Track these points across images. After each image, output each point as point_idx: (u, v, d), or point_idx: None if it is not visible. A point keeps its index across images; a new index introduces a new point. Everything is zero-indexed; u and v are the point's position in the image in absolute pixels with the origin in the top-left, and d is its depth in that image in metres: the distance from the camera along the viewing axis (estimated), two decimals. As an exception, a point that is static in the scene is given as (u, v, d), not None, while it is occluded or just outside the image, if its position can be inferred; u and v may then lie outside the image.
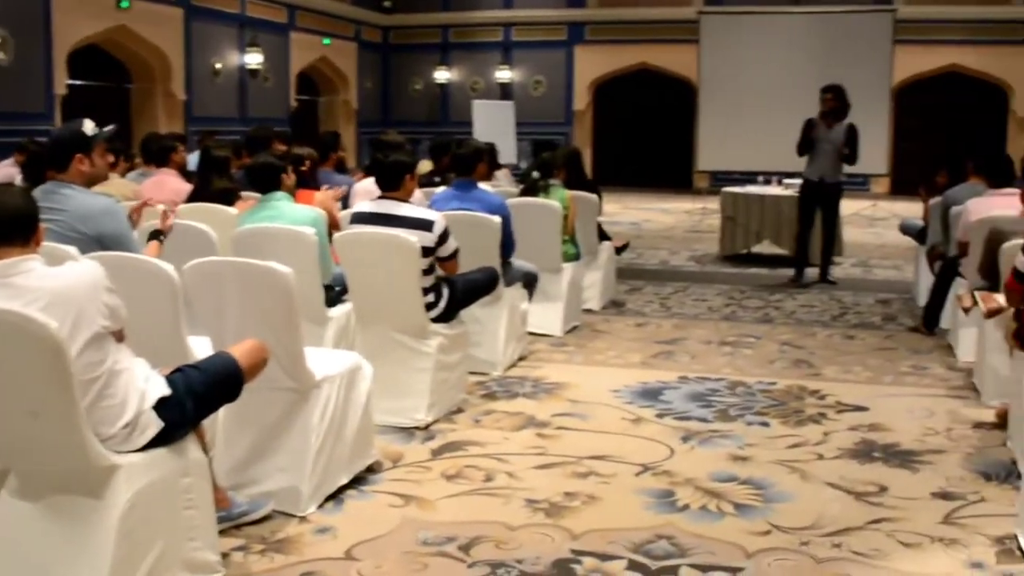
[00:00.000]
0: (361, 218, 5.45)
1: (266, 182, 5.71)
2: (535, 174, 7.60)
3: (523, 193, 7.57)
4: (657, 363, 6.47)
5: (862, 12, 18.13)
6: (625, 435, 5.02)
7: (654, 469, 4.50)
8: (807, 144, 9.33)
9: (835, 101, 9.30)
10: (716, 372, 6.23)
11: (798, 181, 11.26)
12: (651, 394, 5.70)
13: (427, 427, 5.06)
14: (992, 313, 5.06)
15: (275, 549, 3.67)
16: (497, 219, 6.15)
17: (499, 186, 9.23)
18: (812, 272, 9.71)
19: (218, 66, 17.41)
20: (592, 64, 22.00)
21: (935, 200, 8.23)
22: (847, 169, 17.81)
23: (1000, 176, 6.92)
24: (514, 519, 3.95)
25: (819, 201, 9.53)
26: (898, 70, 18.57)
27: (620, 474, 4.44)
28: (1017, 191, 6.13)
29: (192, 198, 6.54)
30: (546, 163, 7.74)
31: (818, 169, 9.40)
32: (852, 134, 9.29)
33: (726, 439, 4.93)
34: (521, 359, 6.44)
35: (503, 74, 22.35)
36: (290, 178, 5.81)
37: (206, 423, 3.57)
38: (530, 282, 6.65)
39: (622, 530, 3.84)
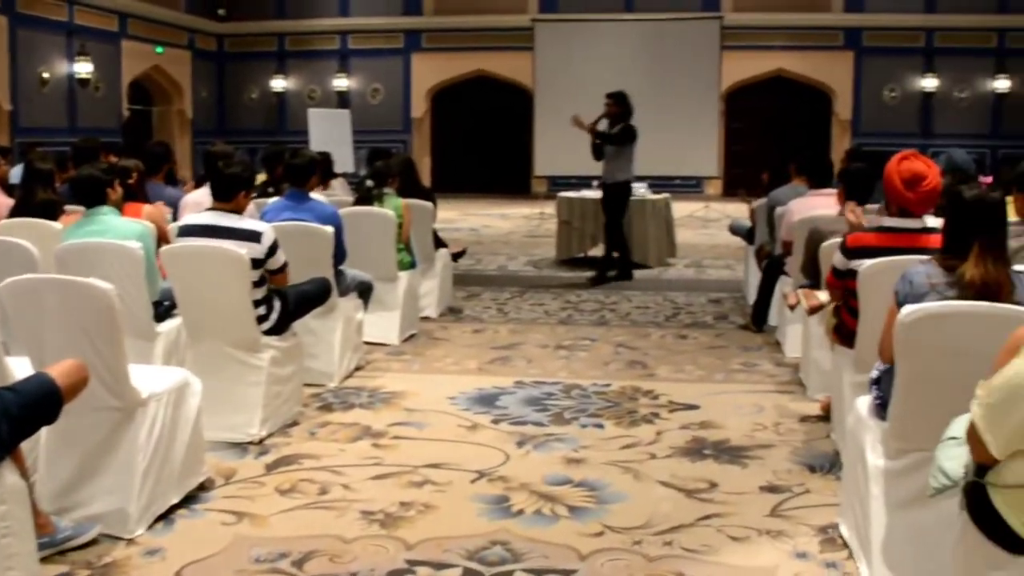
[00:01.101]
0: (189, 231, 5.30)
1: (91, 195, 5.51)
2: (369, 183, 7.53)
3: (357, 202, 7.49)
4: (494, 369, 6.48)
5: (690, 19, 18.68)
6: (461, 442, 5.01)
7: (489, 475, 4.50)
8: (598, 148, 9.77)
9: (616, 106, 9.71)
10: (552, 376, 6.28)
11: (634, 185, 11.53)
12: (487, 400, 5.70)
13: (261, 442, 4.95)
14: (814, 310, 5.24)
15: (101, 574, 3.54)
16: (329, 229, 6.06)
17: (335, 195, 9.12)
18: (648, 273, 9.87)
19: (45, 75, 16.73)
20: (430, 71, 22.01)
21: (760, 201, 8.51)
22: (682, 172, 18.35)
23: (820, 177, 7.19)
24: (348, 532, 3.89)
25: (606, 202, 9.96)
26: (727, 75, 19.21)
27: (456, 482, 4.43)
28: (835, 191, 6.38)
29: (14, 212, 6.28)
30: (380, 172, 7.68)
31: (604, 173, 9.90)
32: (623, 131, 9.65)
33: (561, 442, 4.97)
34: (358, 369, 6.36)
35: (340, 82, 22.14)
36: (116, 191, 5.62)
37: (25, 447, 3.42)
38: (365, 291, 6.59)
39: (457, 538, 3.83)
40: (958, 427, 2.74)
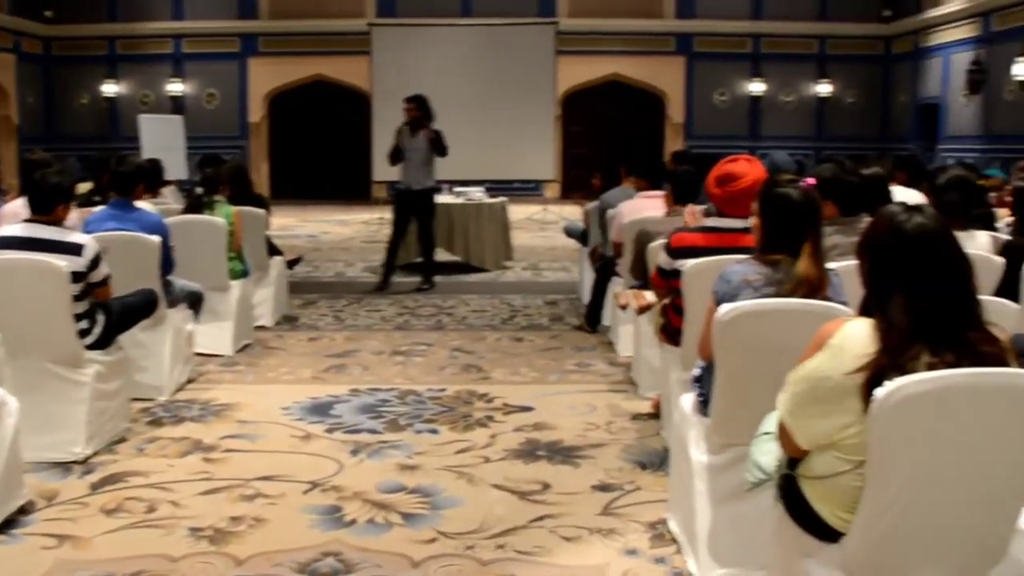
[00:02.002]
0: (6, 243, 5.04)
1: None
2: (198, 190, 7.34)
3: (186, 210, 7.29)
4: (329, 377, 6.40)
5: (526, 24, 18.86)
6: (294, 453, 4.92)
7: (322, 485, 4.43)
8: (396, 154, 9.71)
9: (417, 111, 9.67)
10: (387, 383, 6.23)
11: (471, 189, 11.57)
12: (321, 409, 5.62)
13: (86, 460, 4.75)
14: (642, 310, 5.34)
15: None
16: (156, 238, 5.87)
17: (165, 203, 8.84)
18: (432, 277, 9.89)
19: None
20: (267, 76, 21.59)
21: (593, 203, 8.64)
22: (519, 175, 18.48)
23: (650, 179, 7.35)
24: (176, 550, 3.77)
25: (412, 209, 9.82)
26: (563, 80, 19.48)
27: (288, 494, 4.34)
28: (663, 193, 6.52)
29: None
30: (210, 179, 7.49)
31: (408, 178, 9.77)
32: (436, 136, 9.63)
33: (395, 449, 4.93)
34: (190, 382, 6.19)
35: (175, 87, 21.52)
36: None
37: None
38: (195, 302, 6.41)
39: (288, 551, 3.76)
40: (771, 422, 2.82)
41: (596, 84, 21.67)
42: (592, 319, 7.72)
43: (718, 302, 3.55)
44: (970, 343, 2.43)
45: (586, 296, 8.40)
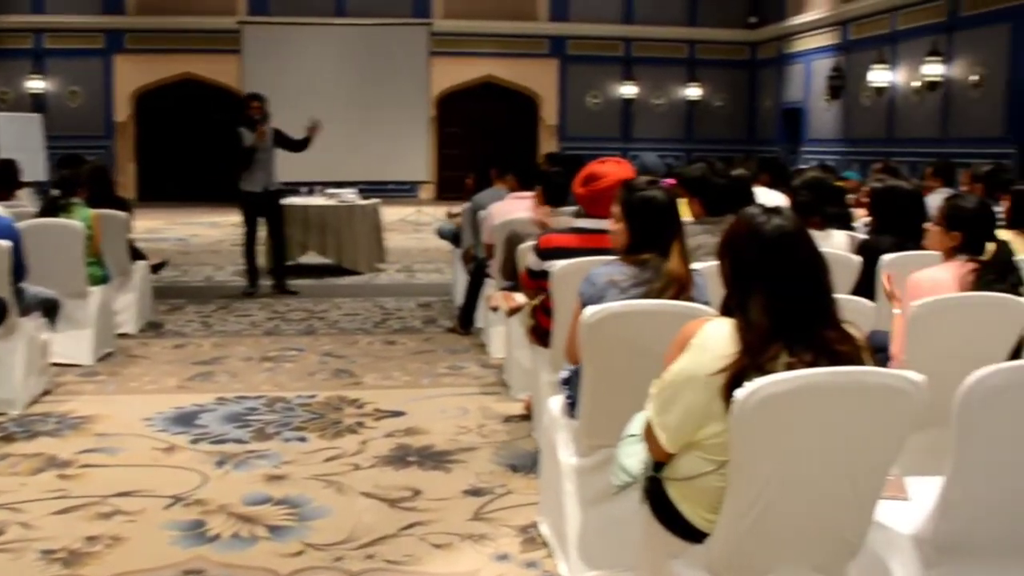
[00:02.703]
0: None
1: None
2: (54, 192, 7.04)
3: (41, 214, 6.97)
4: (194, 385, 6.20)
5: (400, 25, 18.72)
6: (156, 466, 4.73)
7: (185, 500, 4.27)
8: (247, 155, 9.23)
9: (262, 109, 9.30)
10: (255, 390, 6.07)
11: (343, 191, 11.40)
12: (186, 419, 5.43)
13: (-72, 481, 4.49)
14: (513, 311, 5.30)
15: None
16: (5, 243, 5.59)
17: (20, 206, 8.45)
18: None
19: None
20: (133, 73, 20.94)
21: (466, 205, 8.58)
22: (393, 177, 18.33)
23: (520, 180, 7.32)
24: (26, 574, 3.57)
25: (265, 211, 9.46)
26: (438, 81, 19.42)
27: (148, 509, 4.17)
28: (532, 194, 6.50)
29: None
30: (67, 180, 7.19)
31: (261, 180, 9.33)
32: (281, 134, 9.40)
33: (262, 459, 4.79)
34: (45, 394, 5.90)
35: (35, 84, 20.68)
36: None
37: None
38: (50, 309, 6.13)
39: (147, 570, 3.60)
40: (636, 424, 2.81)
41: (470, 85, 21.66)
42: (465, 321, 7.68)
43: (584, 304, 3.53)
44: (827, 342, 2.45)
45: (459, 298, 8.34)
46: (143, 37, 20.86)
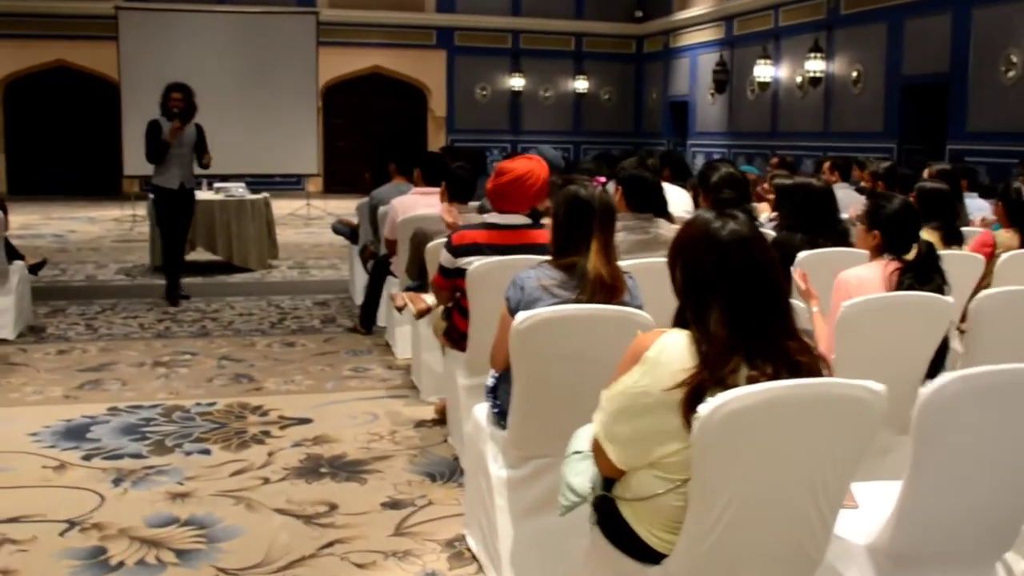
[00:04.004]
0: None
1: None
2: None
3: (-91, 212, 6.52)
4: (83, 395, 5.86)
5: (285, 13, 18.24)
6: (47, 487, 4.41)
7: (82, 524, 3.97)
8: (162, 150, 8.53)
9: (184, 101, 8.56)
10: (150, 398, 5.76)
11: (231, 185, 11.02)
12: (77, 433, 5.10)
13: None
14: (421, 313, 5.13)
15: None
16: None
17: None
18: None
19: None
20: (2, 60, 19.95)
21: (363, 200, 8.35)
22: (281, 170, 17.88)
23: (426, 175, 7.11)
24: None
25: (180, 210, 8.82)
26: (324, 71, 18.94)
27: (41, 536, 3.85)
28: (438, 190, 6.32)
29: None
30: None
31: (177, 175, 8.65)
32: (202, 135, 8.75)
33: (163, 475, 4.51)
34: (-83, 407, 5.51)
35: None
36: None
37: None
38: (-77, 315, 5.72)
39: (43, 604, 3.32)
40: (581, 440, 2.66)
41: (357, 76, 21.28)
42: (367, 320, 7.46)
43: (512, 310, 3.39)
44: (787, 352, 2.33)
45: (359, 296, 8.15)
46: (12, 22, 19.85)
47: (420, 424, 5.28)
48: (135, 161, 16.78)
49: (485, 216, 4.68)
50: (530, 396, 3.34)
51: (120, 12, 17.55)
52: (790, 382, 2.26)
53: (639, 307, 3.40)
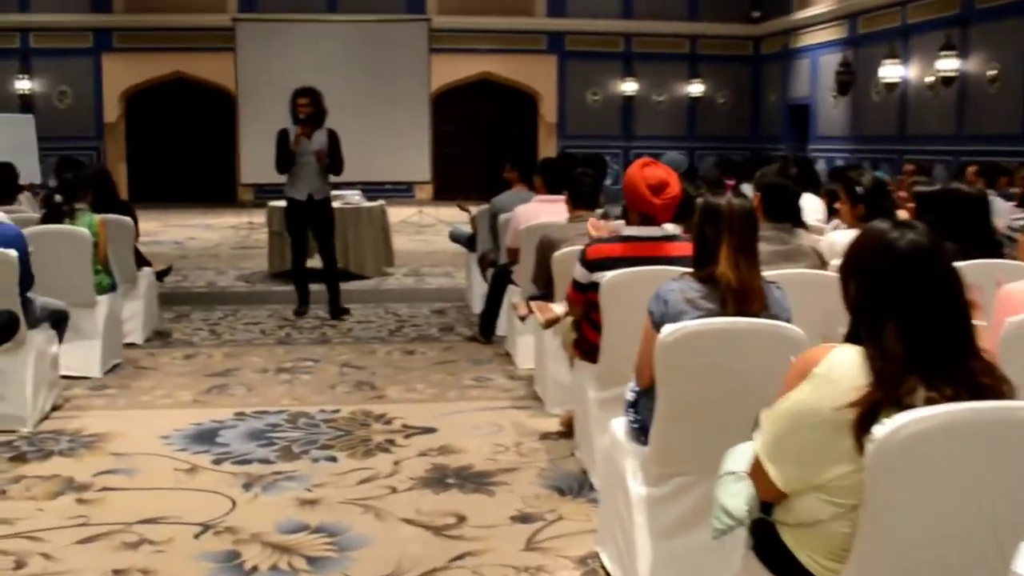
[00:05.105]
0: None
1: None
2: (57, 198, 6.78)
3: (44, 220, 6.71)
4: (210, 399, 5.97)
5: (398, 21, 18.48)
6: (180, 489, 4.50)
7: (215, 527, 4.02)
8: (288, 159, 8.33)
9: (312, 106, 8.28)
10: (275, 404, 5.84)
11: (347, 193, 11.14)
12: (206, 437, 5.19)
13: (-64, 507, 4.24)
14: (550, 323, 5.09)
15: None
16: (13, 253, 5.34)
17: (21, 211, 8.19)
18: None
19: None
20: (123, 73, 20.60)
21: (483, 207, 8.37)
22: (393, 177, 18.00)
23: (549, 183, 7.10)
24: (51, 613, 3.34)
25: (311, 222, 8.56)
26: (434, 78, 19.14)
27: (177, 538, 3.92)
28: (562, 198, 6.29)
29: None
30: (69, 185, 6.92)
31: (305, 186, 8.40)
32: (334, 141, 8.43)
33: (292, 481, 4.56)
34: (55, 409, 5.66)
35: (23, 84, 20.31)
36: None
37: None
38: (59, 321, 5.88)
39: (183, 609, 3.36)
40: (736, 460, 2.57)
41: (467, 82, 21.41)
42: (486, 329, 7.45)
43: (656, 323, 3.33)
44: (969, 373, 2.22)
45: (476, 304, 8.16)
46: (132, 35, 20.52)
47: (546, 436, 5.23)
48: (251, 169, 17.31)
49: (621, 228, 4.63)
50: (674, 412, 3.27)
51: (237, 23, 18.01)
52: (972, 405, 2.15)
53: (787, 320, 3.30)
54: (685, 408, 3.26)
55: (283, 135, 8.36)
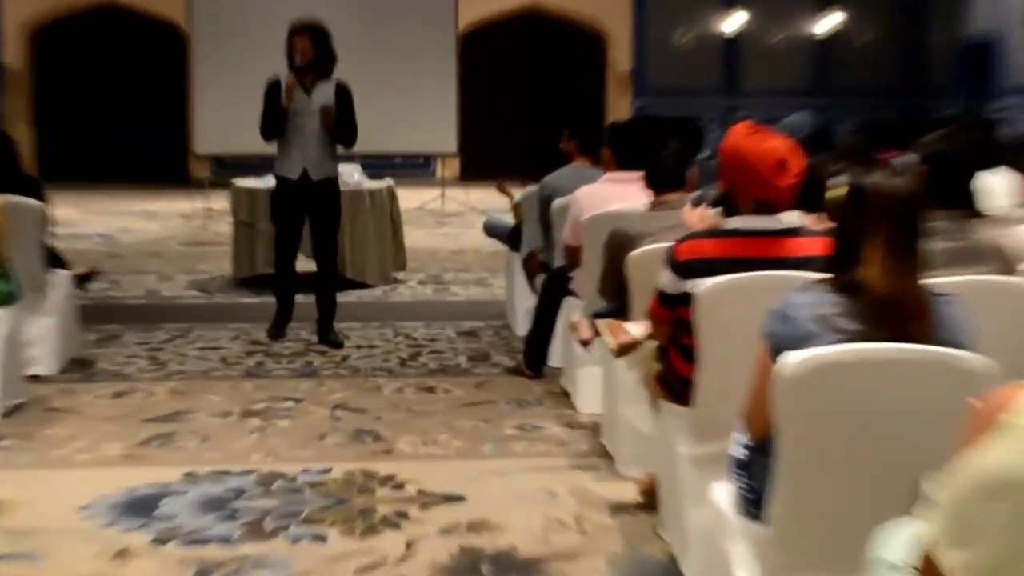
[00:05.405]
0: None
1: None
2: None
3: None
4: (150, 454, 6.03)
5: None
6: (106, 581, 4.54)
7: (155, 637, 4.06)
8: (277, 120, 8.30)
9: (314, 49, 8.20)
10: (241, 461, 5.88)
11: (344, 168, 11.18)
12: (143, 506, 5.23)
13: None
14: (623, 350, 5.10)
15: None
16: None
17: None
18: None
19: None
20: (28, 1, 20.89)
21: (531, 189, 8.37)
22: (407, 148, 18.08)
23: (620, 156, 7.09)
24: None
25: (307, 211, 8.51)
26: (464, 11, 19.22)
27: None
28: (638, 174, 6.28)
29: None
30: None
31: (300, 159, 8.35)
32: (344, 98, 8.40)
33: (263, 570, 4.59)
34: (-70, 466, 5.77)
35: None
36: None
37: None
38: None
39: None
40: (890, 546, 2.55)
41: (508, 18, 21.56)
42: (534, 358, 7.50)
43: (775, 351, 3.30)
44: None
45: (521, 324, 8.23)
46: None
47: (619, 508, 5.26)
48: (208, 135, 17.45)
49: (725, 220, 4.60)
50: (802, 476, 3.26)
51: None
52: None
53: (965, 346, 3.26)
54: (817, 470, 3.26)
55: (273, 88, 8.34)
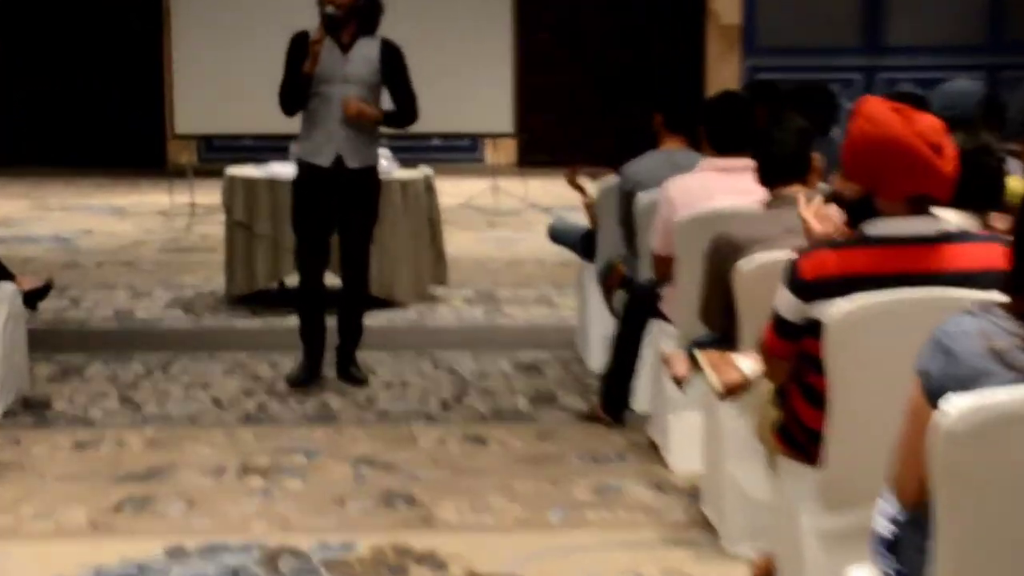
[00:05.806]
0: None
1: None
2: None
3: None
4: (122, 523, 6.10)
5: None
6: None
7: None
8: (299, 87, 8.21)
9: (350, 4, 8.06)
10: (239, 531, 5.95)
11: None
12: (115, 590, 5.33)
13: None
14: (732, 391, 5.13)
15: None
16: None
17: None
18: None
19: None
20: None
21: (609, 180, 8.39)
22: (449, 126, 18.21)
23: (721, 135, 7.08)
24: None
25: (339, 208, 8.46)
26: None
27: None
28: (748, 162, 6.27)
29: None
30: None
31: (332, 141, 8.28)
32: (394, 59, 8.46)
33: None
34: None
35: None
36: None
37: None
38: None
39: None
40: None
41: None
42: (614, 401, 7.53)
43: (933, 393, 3.30)
44: None
45: (596, 355, 8.24)
46: None
47: (724, 600, 5.28)
48: (192, 111, 17.58)
49: (867, 224, 4.61)
50: (969, 555, 3.26)
51: None
52: None
53: None
54: (989, 551, 3.26)
55: (298, 43, 8.17)
